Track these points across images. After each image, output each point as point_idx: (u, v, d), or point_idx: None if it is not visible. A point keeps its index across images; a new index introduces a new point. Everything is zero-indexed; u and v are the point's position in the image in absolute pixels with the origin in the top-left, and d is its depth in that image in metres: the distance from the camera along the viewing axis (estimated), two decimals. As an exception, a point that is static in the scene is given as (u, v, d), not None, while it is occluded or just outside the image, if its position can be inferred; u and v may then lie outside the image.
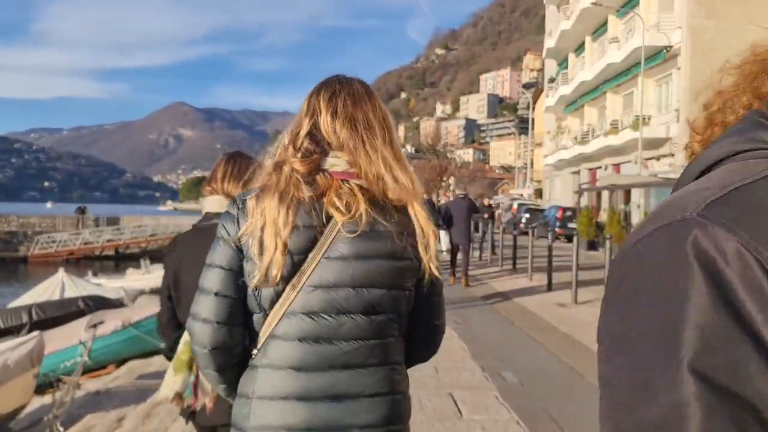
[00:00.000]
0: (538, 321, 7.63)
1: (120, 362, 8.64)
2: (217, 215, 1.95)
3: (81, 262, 43.71)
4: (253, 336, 1.37)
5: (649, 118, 23.51)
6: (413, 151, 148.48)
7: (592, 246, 20.05)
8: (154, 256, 44.66)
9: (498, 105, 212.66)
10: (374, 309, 1.33)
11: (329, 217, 1.33)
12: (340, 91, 1.41)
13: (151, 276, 29.04)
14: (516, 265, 12.60)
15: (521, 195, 55.37)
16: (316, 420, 1.29)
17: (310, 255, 1.32)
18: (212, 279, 1.34)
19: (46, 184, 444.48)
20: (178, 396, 1.81)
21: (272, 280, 1.29)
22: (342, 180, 1.35)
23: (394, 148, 1.42)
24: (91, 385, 8.02)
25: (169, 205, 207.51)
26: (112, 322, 8.42)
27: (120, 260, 42.51)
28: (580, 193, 23.44)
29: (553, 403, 4.38)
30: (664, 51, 23.30)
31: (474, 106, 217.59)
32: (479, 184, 75.10)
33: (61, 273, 20.34)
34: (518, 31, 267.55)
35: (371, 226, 1.33)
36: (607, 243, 8.65)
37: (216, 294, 1.33)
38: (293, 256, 1.31)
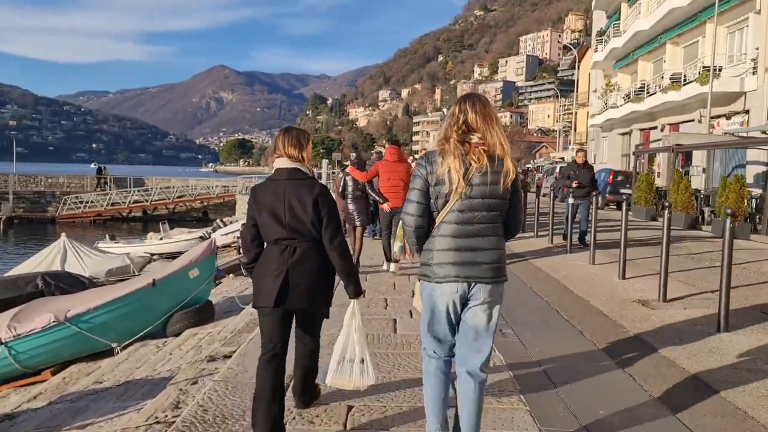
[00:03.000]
0: (620, 335, 5.30)
1: (61, 365, 6.70)
2: (285, 170, 3.23)
3: (108, 224, 42.73)
4: (432, 223, 2.77)
5: (719, 70, 20.40)
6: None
7: (652, 216, 17.44)
8: (182, 218, 43.58)
9: (537, 67, 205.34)
10: (491, 208, 2.73)
11: (470, 164, 2.69)
12: (476, 100, 2.80)
13: (170, 241, 27.38)
14: (572, 240, 10.16)
15: (562, 159, 52.13)
16: (463, 259, 2.69)
17: (463, 183, 2.69)
18: (413, 194, 2.76)
19: (94, 145, 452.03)
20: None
21: (458, 193, 2.67)
22: (476, 146, 2.72)
23: (500, 129, 2.78)
24: (15, 398, 6.09)
25: (211, 167, 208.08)
26: (45, 315, 6.42)
27: (148, 222, 41.41)
28: (637, 154, 20.64)
29: None
30: (742, -9, 20.05)
31: (512, 69, 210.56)
32: (517, 147, 71.90)
33: (63, 239, 18.70)
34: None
35: (488, 168, 2.70)
36: (666, 213, 6.27)
37: (416, 202, 2.75)
38: (457, 184, 2.71)
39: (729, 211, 4.91)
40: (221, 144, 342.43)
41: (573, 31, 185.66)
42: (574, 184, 10.20)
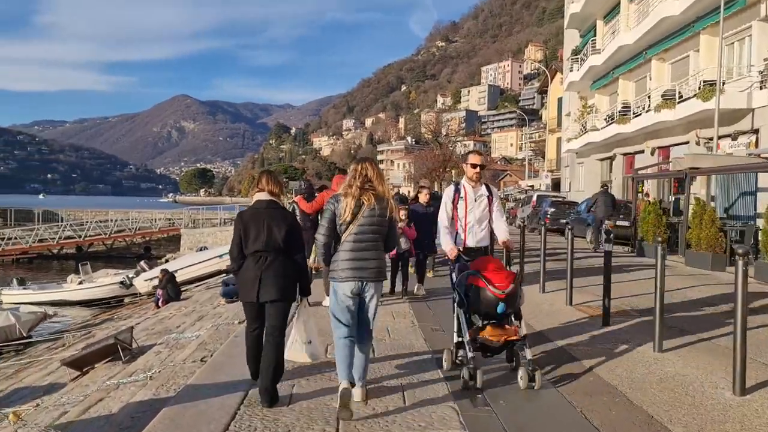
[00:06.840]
0: None
1: None
2: (264, 201, 4.57)
3: (35, 263, 38.14)
4: (338, 241, 4.31)
5: (723, 84, 17.83)
6: (413, 142, 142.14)
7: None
8: (122, 255, 39.16)
9: (499, 97, 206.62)
10: (375, 232, 4.27)
11: (363, 202, 4.22)
12: (371, 162, 4.47)
13: (90, 286, 23.22)
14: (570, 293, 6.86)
15: (531, 186, 49.68)
16: (357, 266, 4.21)
17: (358, 214, 4.22)
18: (324, 221, 4.31)
19: (49, 176, 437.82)
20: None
21: (349, 222, 4.22)
22: (368, 189, 4.27)
23: (384, 178, 4.44)
24: None
25: (170, 197, 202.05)
26: None
27: (83, 260, 36.98)
28: (636, 180, 17.77)
29: None
30: (745, -6, 17.65)
31: (475, 98, 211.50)
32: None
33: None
34: (519, 23, 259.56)
35: (376, 205, 4.25)
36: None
37: (326, 227, 4.29)
38: (354, 215, 4.22)
39: None
40: (182, 174, 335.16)
41: (533, 62, 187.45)
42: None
